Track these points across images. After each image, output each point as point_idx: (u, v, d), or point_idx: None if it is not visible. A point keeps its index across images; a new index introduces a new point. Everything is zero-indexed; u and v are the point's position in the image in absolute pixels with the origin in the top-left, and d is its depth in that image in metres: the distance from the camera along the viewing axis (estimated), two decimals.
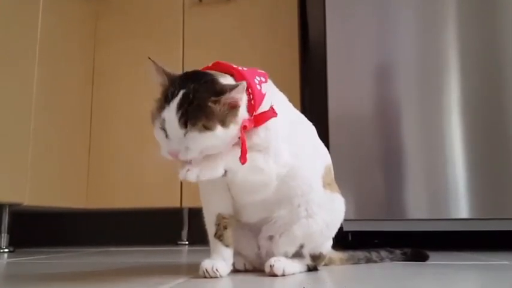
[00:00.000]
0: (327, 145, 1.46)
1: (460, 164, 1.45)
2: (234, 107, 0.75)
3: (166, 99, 0.74)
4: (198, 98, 0.73)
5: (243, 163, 0.75)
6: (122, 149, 2.02)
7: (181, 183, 1.95)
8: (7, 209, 1.68)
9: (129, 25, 2.12)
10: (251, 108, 0.78)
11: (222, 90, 0.74)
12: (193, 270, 0.87)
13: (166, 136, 0.74)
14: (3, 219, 1.66)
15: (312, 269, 0.89)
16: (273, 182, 0.82)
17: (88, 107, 2.07)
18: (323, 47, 1.63)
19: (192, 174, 0.74)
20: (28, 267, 1.14)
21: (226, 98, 0.73)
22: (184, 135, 0.73)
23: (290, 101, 0.92)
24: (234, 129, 0.75)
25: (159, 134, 0.76)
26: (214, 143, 0.74)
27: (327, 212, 0.87)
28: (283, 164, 0.82)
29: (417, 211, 1.46)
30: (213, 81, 0.76)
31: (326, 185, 0.89)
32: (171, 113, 0.73)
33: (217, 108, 0.73)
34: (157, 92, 0.79)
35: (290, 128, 0.86)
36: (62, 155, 1.86)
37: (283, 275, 0.81)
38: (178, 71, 0.82)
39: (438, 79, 1.51)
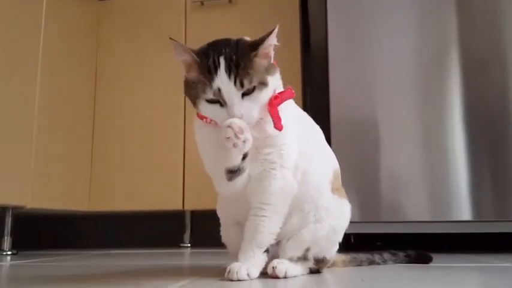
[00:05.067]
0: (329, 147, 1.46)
1: (462, 166, 1.44)
2: (267, 56, 0.78)
3: (209, 71, 0.75)
4: (241, 57, 0.75)
5: (280, 130, 0.77)
6: (125, 151, 2.02)
7: (183, 185, 1.95)
8: (10, 212, 1.68)
9: (131, 27, 2.13)
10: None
11: (258, 42, 0.77)
12: (196, 272, 0.87)
13: (221, 105, 0.75)
14: (6, 222, 1.67)
15: (315, 272, 0.89)
16: (295, 191, 0.82)
17: (91, 109, 2.07)
18: (325, 48, 1.63)
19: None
20: (31, 269, 1.14)
21: (264, 47, 0.77)
22: (243, 96, 0.74)
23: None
24: (277, 77, 0.80)
25: (211, 107, 0.76)
26: (269, 96, 0.77)
27: (334, 217, 0.87)
28: (293, 164, 0.81)
29: (420, 213, 1.45)
30: (242, 40, 0.79)
31: (335, 190, 0.89)
32: (223, 79, 0.74)
33: (259, 60, 0.77)
34: (181, 70, 0.81)
35: (300, 128, 0.86)
36: (65, 158, 1.87)
37: (285, 277, 0.81)
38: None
39: (440, 80, 1.50)
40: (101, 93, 2.10)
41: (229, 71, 0.74)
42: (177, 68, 0.82)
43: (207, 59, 0.76)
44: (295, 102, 0.90)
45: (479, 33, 1.51)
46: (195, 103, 0.78)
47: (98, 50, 2.13)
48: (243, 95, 0.75)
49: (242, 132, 0.72)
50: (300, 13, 2.01)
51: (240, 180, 0.80)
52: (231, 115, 0.74)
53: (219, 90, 0.74)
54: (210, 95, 0.75)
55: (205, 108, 0.76)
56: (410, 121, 1.51)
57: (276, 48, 0.82)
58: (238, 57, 0.75)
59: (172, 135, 1.98)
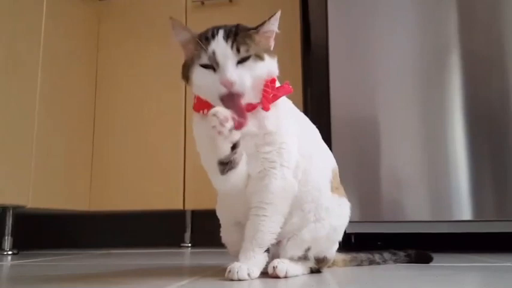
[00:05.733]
0: (329, 147, 1.46)
1: (462, 166, 1.45)
2: (267, 40, 0.80)
3: (206, 38, 0.76)
4: (240, 30, 0.77)
5: (266, 110, 0.78)
6: (125, 151, 2.03)
7: (184, 185, 1.95)
8: (11, 212, 1.68)
9: (131, 27, 2.13)
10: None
11: (259, 25, 0.79)
12: (196, 272, 0.87)
13: (215, 70, 0.75)
14: (7, 222, 1.67)
15: (315, 271, 0.89)
16: (295, 190, 0.82)
17: (91, 109, 2.07)
18: (325, 48, 1.63)
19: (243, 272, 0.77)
20: (32, 269, 1.14)
21: (264, 29, 0.79)
22: (238, 63, 0.74)
23: (292, 102, 0.92)
24: (275, 62, 0.80)
25: (204, 73, 0.76)
26: (263, 73, 0.77)
27: (334, 216, 0.87)
28: (294, 164, 0.82)
29: (420, 213, 1.45)
30: (242, 24, 0.80)
31: (334, 189, 0.90)
32: (220, 44, 0.75)
33: (259, 38, 0.79)
34: (180, 54, 0.82)
35: (300, 128, 0.86)
36: (65, 158, 1.87)
37: (286, 277, 0.81)
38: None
39: (440, 80, 1.51)
40: (102, 93, 2.10)
41: (227, 37, 0.75)
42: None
43: (205, 33, 0.78)
44: (296, 102, 0.90)
45: (480, 33, 1.51)
46: (188, 77, 0.78)
47: (99, 50, 2.13)
48: (238, 63, 0.75)
49: (227, 120, 0.72)
50: (300, 13, 2.01)
51: (235, 176, 0.79)
52: (223, 78, 0.73)
53: (214, 53, 0.74)
54: (204, 60, 0.76)
55: (198, 75, 0.77)
56: (410, 121, 1.51)
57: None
58: (237, 29, 0.77)
59: (173, 135, 1.98)
